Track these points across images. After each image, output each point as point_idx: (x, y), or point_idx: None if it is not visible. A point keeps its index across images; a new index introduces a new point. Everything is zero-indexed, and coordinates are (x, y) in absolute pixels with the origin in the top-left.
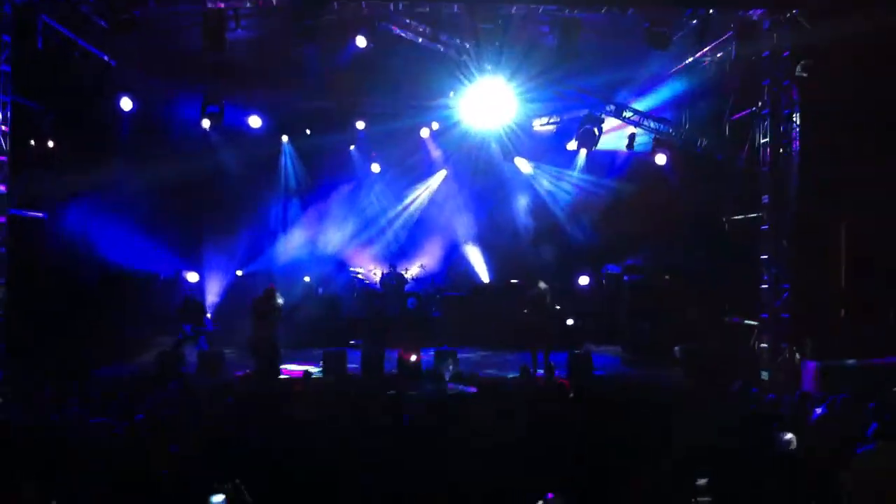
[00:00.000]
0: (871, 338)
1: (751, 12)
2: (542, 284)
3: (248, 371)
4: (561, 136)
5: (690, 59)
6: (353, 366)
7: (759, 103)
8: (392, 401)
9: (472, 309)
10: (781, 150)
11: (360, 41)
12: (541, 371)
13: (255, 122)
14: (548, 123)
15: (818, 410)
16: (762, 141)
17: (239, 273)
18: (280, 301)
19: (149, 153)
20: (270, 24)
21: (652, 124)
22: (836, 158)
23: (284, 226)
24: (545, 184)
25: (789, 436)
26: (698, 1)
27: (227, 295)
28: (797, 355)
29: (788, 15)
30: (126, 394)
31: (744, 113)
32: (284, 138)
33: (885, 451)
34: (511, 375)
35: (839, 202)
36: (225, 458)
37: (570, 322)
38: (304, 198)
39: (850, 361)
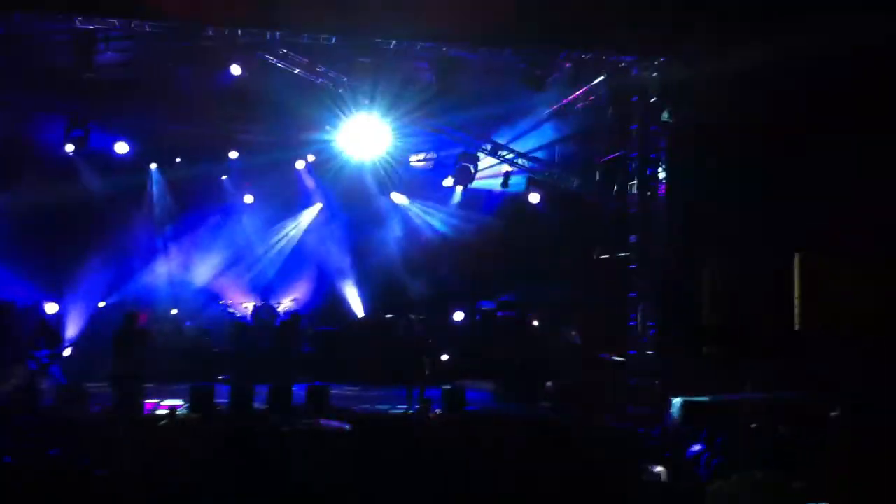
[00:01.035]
0: (731, 374)
1: (622, 58)
2: (412, 317)
3: (107, 405)
4: (437, 172)
5: (564, 101)
6: (222, 401)
7: (629, 146)
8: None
9: (345, 344)
10: (649, 193)
11: (235, 69)
12: (415, 406)
13: (121, 147)
14: (424, 159)
15: (695, 447)
16: (631, 183)
17: (101, 304)
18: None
19: (9, 177)
20: (142, 47)
21: (526, 163)
22: (701, 201)
23: (152, 256)
24: (421, 219)
25: (658, 469)
26: (571, 45)
27: (88, 327)
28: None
29: (657, 62)
30: None
31: (614, 155)
32: (153, 166)
33: (736, 484)
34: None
35: (704, 243)
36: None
37: (444, 357)
38: (174, 228)
39: (712, 397)
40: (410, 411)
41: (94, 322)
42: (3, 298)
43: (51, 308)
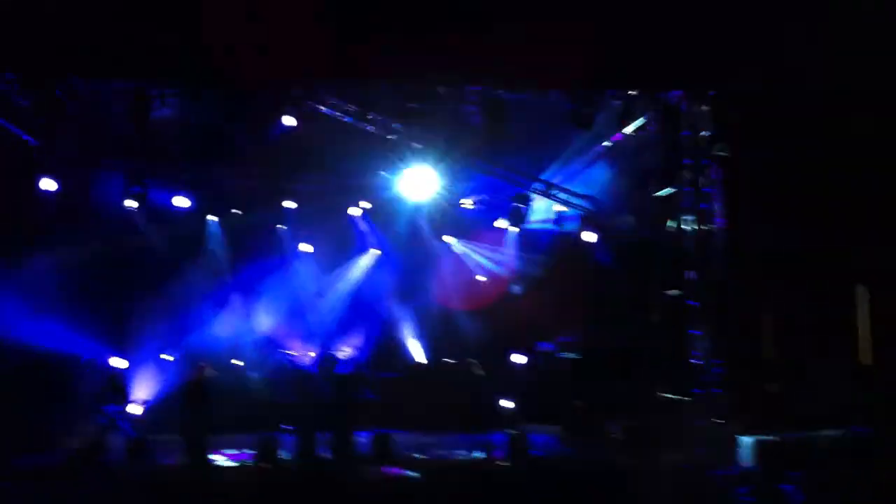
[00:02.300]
0: (803, 410)
1: (670, 94)
2: (472, 361)
3: (177, 460)
4: (490, 213)
5: (614, 139)
6: (286, 451)
7: (682, 182)
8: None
9: (407, 390)
10: (704, 228)
11: (288, 120)
12: (480, 452)
13: (181, 201)
14: (477, 202)
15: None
16: (684, 218)
17: (165, 357)
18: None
19: (71, 234)
20: (196, 103)
21: (579, 202)
22: (759, 233)
23: (212, 307)
24: (475, 261)
25: None
26: (618, 83)
27: (153, 379)
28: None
29: (706, 97)
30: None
31: (668, 191)
32: (211, 218)
33: None
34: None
35: (764, 276)
36: None
37: (509, 405)
38: (233, 278)
39: (781, 435)
40: (475, 457)
41: (159, 374)
42: (66, 352)
43: (118, 363)
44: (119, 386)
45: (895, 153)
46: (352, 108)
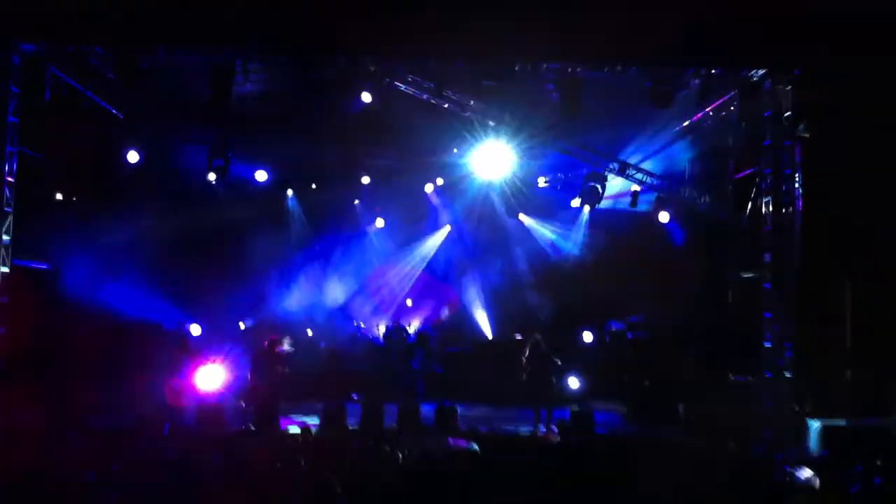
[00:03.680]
0: (875, 398)
1: (752, 72)
2: (537, 336)
3: (246, 423)
4: (565, 192)
5: (693, 118)
6: (353, 420)
7: (762, 163)
8: None
9: (475, 365)
10: (784, 210)
11: (366, 97)
12: (543, 427)
13: (261, 175)
14: (552, 180)
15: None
16: (764, 200)
17: (242, 325)
18: (289, 347)
19: (154, 205)
20: (277, 78)
21: (655, 182)
22: (840, 218)
23: (288, 279)
24: (548, 239)
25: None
26: (700, 61)
27: (229, 347)
28: (801, 415)
29: (790, 76)
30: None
31: (746, 172)
32: (290, 192)
33: None
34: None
35: (843, 261)
36: None
37: (574, 384)
38: (309, 251)
39: (854, 421)
40: (537, 432)
41: (235, 342)
42: (147, 320)
43: (195, 329)
44: (193, 352)
45: None
46: (429, 84)
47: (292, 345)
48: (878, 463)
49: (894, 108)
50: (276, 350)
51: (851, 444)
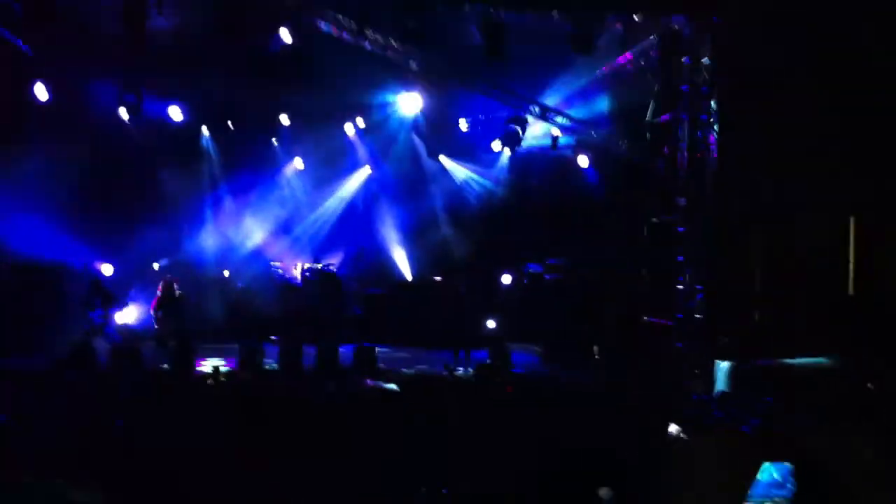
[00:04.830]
0: (782, 340)
1: (673, 18)
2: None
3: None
4: (486, 135)
5: (614, 64)
6: (270, 361)
7: (679, 109)
8: None
9: (394, 306)
10: (699, 155)
11: (285, 34)
12: (461, 368)
13: (175, 112)
14: (473, 122)
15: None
16: (680, 145)
17: (156, 266)
18: (178, 292)
19: (64, 142)
20: (193, 13)
21: (575, 126)
22: (752, 163)
23: (204, 219)
24: (468, 181)
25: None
26: (620, 6)
27: (143, 288)
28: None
29: (709, 22)
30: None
31: (664, 117)
32: (205, 130)
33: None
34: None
35: (754, 206)
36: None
37: (490, 324)
38: (225, 191)
39: (762, 361)
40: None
41: (149, 283)
42: (57, 260)
43: (106, 269)
44: (107, 292)
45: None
46: (351, 24)
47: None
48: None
49: (808, 57)
50: (175, 291)
51: (758, 384)
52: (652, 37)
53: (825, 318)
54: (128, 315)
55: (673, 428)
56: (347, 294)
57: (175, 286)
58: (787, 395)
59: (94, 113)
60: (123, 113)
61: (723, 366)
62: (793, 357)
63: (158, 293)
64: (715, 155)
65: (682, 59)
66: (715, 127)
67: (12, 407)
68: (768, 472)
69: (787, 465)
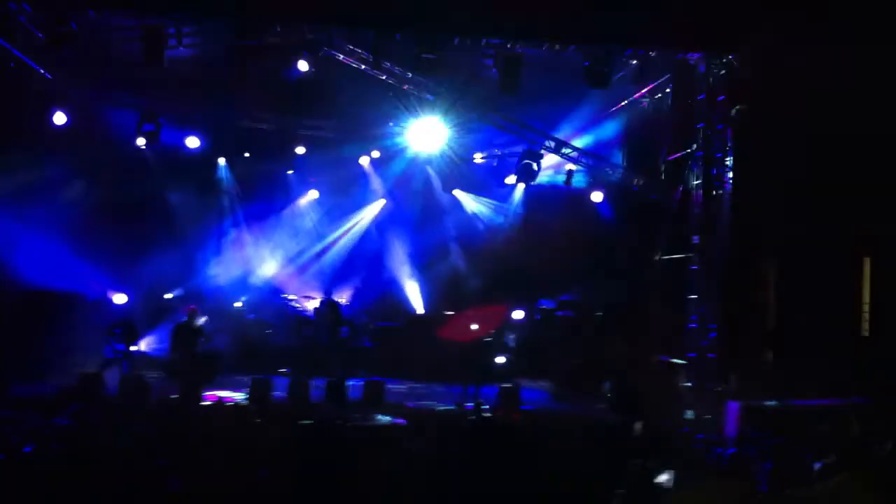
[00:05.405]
0: (795, 380)
1: (688, 55)
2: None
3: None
4: (501, 169)
5: (629, 99)
6: (280, 394)
7: (694, 145)
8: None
9: (405, 340)
10: (714, 193)
11: (302, 65)
12: (470, 404)
13: (192, 142)
14: (488, 156)
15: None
16: (695, 182)
17: (168, 296)
18: (201, 322)
19: (80, 169)
20: (212, 43)
21: (589, 162)
22: (767, 202)
23: (218, 249)
24: (482, 215)
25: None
26: (637, 41)
27: (155, 318)
28: (722, 395)
29: (725, 60)
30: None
31: (679, 154)
32: (222, 160)
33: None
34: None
35: (769, 245)
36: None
37: (500, 360)
38: (240, 222)
39: (772, 402)
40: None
41: (161, 313)
42: (69, 288)
43: (119, 298)
44: (131, 326)
45: None
46: (367, 55)
47: (207, 320)
48: (794, 444)
49: (824, 94)
50: (195, 322)
51: (770, 426)
52: (668, 74)
53: (839, 359)
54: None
55: (664, 476)
56: (350, 322)
57: (197, 316)
58: (799, 437)
59: (111, 140)
60: (141, 141)
61: (732, 406)
62: (806, 398)
63: (183, 321)
64: (729, 192)
65: (698, 96)
66: (729, 164)
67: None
68: None
69: None
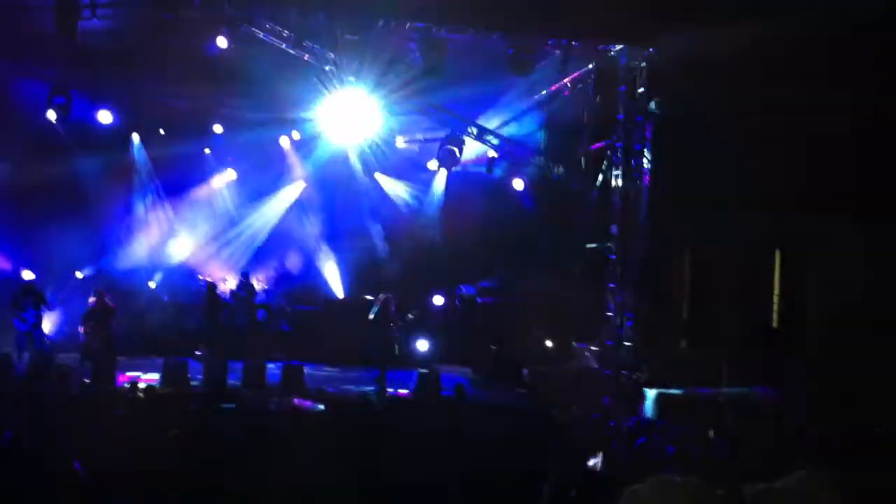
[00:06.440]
0: (709, 368)
1: (610, 47)
2: (382, 295)
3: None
4: (423, 154)
5: (552, 88)
6: (196, 376)
7: (614, 137)
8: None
9: (324, 324)
10: (632, 184)
11: (221, 42)
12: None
13: (104, 116)
14: (410, 141)
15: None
16: (614, 173)
17: (79, 275)
18: (110, 305)
19: None
20: (128, 16)
21: (511, 149)
22: (683, 194)
23: (130, 229)
24: (403, 200)
25: (595, 460)
26: (560, 32)
27: (65, 297)
28: (638, 382)
29: (645, 53)
30: None
31: (599, 145)
32: (136, 137)
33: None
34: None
35: (684, 236)
36: None
37: (423, 346)
38: (154, 200)
39: (685, 390)
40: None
41: (70, 292)
42: None
43: (27, 275)
44: (39, 294)
45: (825, 122)
46: (288, 34)
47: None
48: (709, 431)
49: (742, 88)
50: (107, 303)
51: (681, 412)
52: (590, 65)
53: (749, 349)
54: (48, 323)
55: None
56: (276, 310)
57: (107, 298)
58: (707, 424)
59: (21, 114)
60: (52, 114)
61: (650, 394)
62: (716, 387)
63: (91, 303)
64: (647, 184)
65: (619, 88)
66: (648, 156)
67: None
68: None
69: None
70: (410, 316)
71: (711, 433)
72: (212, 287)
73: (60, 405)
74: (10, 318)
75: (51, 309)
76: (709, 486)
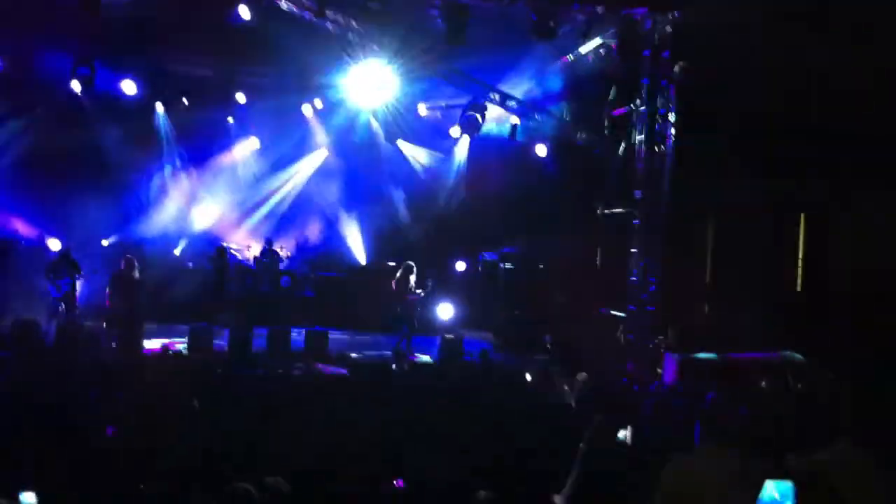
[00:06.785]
0: (732, 333)
1: (634, 10)
2: (408, 263)
3: (108, 345)
4: (445, 121)
5: (575, 54)
6: (221, 343)
7: (638, 101)
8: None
9: (347, 290)
10: (656, 148)
11: (244, 12)
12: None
13: (129, 87)
14: (433, 108)
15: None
16: (638, 138)
17: (105, 243)
18: (138, 273)
19: (13, 115)
20: None
21: (534, 115)
22: (708, 159)
23: (156, 197)
24: (425, 167)
25: (623, 433)
26: None
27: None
28: (661, 348)
29: (670, 16)
30: None
31: (623, 110)
32: (159, 106)
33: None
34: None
35: (709, 201)
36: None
37: (446, 312)
38: (178, 169)
39: (710, 355)
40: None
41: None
42: (6, 236)
43: (53, 244)
44: (73, 261)
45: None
46: (310, 3)
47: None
48: (736, 396)
49: (766, 54)
50: (133, 271)
51: (706, 377)
52: (614, 29)
53: (773, 314)
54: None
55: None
56: (300, 277)
57: (135, 265)
58: (733, 389)
59: (45, 85)
60: (76, 86)
61: (670, 359)
62: (740, 352)
63: (121, 270)
64: (671, 148)
65: (643, 52)
66: (672, 120)
67: None
68: (769, 490)
69: (789, 483)
70: (430, 283)
71: (738, 399)
72: (221, 251)
73: (90, 371)
74: (46, 284)
75: (83, 277)
76: (752, 457)
